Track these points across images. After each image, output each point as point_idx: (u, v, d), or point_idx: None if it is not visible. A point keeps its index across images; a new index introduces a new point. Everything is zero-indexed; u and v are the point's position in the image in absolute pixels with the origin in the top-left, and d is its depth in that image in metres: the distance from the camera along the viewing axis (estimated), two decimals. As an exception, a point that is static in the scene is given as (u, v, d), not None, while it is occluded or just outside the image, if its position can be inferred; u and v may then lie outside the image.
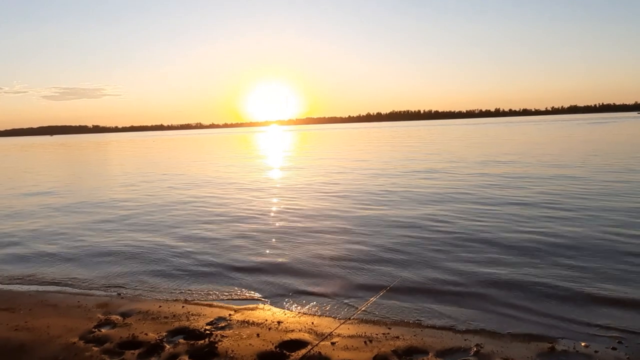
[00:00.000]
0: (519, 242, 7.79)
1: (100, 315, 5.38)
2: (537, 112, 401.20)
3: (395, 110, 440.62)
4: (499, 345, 4.42)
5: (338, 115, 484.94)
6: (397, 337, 4.60)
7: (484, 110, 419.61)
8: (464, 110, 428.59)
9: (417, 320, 5.15)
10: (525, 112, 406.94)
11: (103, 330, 4.96)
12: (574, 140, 35.47)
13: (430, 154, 28.41)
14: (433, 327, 4.95)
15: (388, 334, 4.71)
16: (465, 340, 4.54)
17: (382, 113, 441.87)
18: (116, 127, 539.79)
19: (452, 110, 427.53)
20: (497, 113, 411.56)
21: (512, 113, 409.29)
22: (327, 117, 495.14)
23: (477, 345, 4.39)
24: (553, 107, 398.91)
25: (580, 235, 8.07)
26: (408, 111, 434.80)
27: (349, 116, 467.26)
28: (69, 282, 6.88)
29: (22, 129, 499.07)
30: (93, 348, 4.49)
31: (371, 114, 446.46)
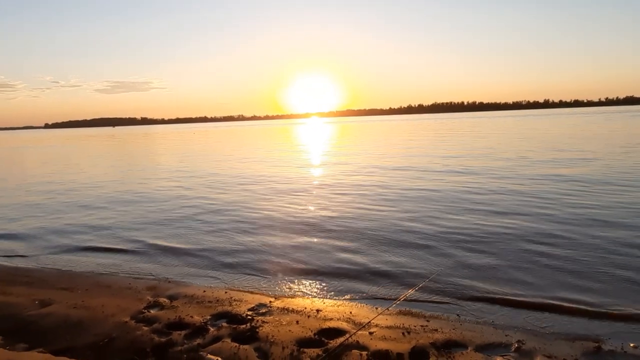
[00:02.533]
0: (562, 238, 7.52)
1: (149, 297, 5.68)
2: (590, 104, 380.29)
3: (438, 101, 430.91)
4: (542, 342, 4.32)
5: (378, 107, 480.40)
6: (436, 330, 4.60)
7: (531, 101, 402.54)
8: (510, 101, 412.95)
9: (456, 313, 5.11)
10: (577, 104, 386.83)
11: (152, 311, 5.24)
12: None
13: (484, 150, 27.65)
14: (472, 321, 4.90)
15: (426, 326, 4.71)
16: (506, 336, 4.48)
17: (424, 105, 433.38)
18: (162, 119, 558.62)
19: (498, 102, 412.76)
20: (546, 104, 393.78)
21: (562, 104, 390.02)
22: (367, 109, 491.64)
23: (518, 341, 4.31)
24: (607, 97, 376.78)
25: (630, 230, 7.70)
26: (451, 103, 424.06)
27: (390, 108, 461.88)
28: (122, 264, 7.30)
29: (77, 121, 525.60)
30: (143, 327, 4.77)
31: (412, 105, 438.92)
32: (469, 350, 4.19)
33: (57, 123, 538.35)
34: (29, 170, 25.14)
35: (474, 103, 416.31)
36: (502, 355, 4.08)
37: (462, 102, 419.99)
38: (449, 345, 4.28)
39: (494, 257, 6.85)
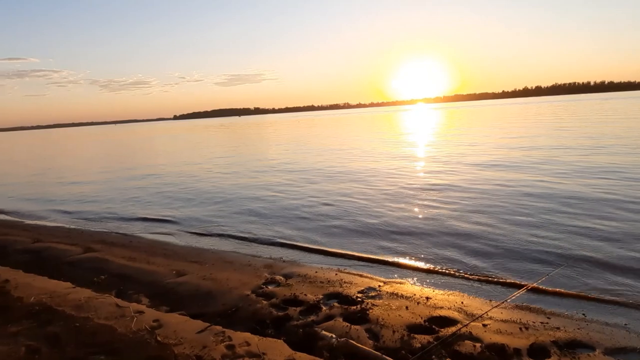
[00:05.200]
0: None
1: (266, 275, 6.15)
2: None
3: (559, 82, 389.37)
4: (688, 352, 3.83)
5: (490, 91, 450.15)
6: (558, 328, 4.31)
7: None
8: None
9: (581, 312, 4.72)
10: None
11: (269, 287, 5.67)
12: None
13: None
14: (601, 322, 4.49)
15: (547, 323, 4.44)
16: (642, 341, 4.04)
17: (542, 87, 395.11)
18: (273, 109, 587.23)
19: (633, 81, 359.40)
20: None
21: None
22: (477, 93, 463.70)
23: (657, 348, 3.87)
24: None
25: None
26: (574, 83, 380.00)
27: (503, 91, 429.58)
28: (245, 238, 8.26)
29: (200, 112, 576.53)
30: (263, 301, 5.19)
31: (529, 88, 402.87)
32: (596, 352, 3.88)
33: (183, 114, 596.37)
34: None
35: (602, 83, 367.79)
36: (637, 362, 3.70)
37: (588, 82, 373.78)
38: (573, 346, 4.00)
39: (634, 257, 6.14)
